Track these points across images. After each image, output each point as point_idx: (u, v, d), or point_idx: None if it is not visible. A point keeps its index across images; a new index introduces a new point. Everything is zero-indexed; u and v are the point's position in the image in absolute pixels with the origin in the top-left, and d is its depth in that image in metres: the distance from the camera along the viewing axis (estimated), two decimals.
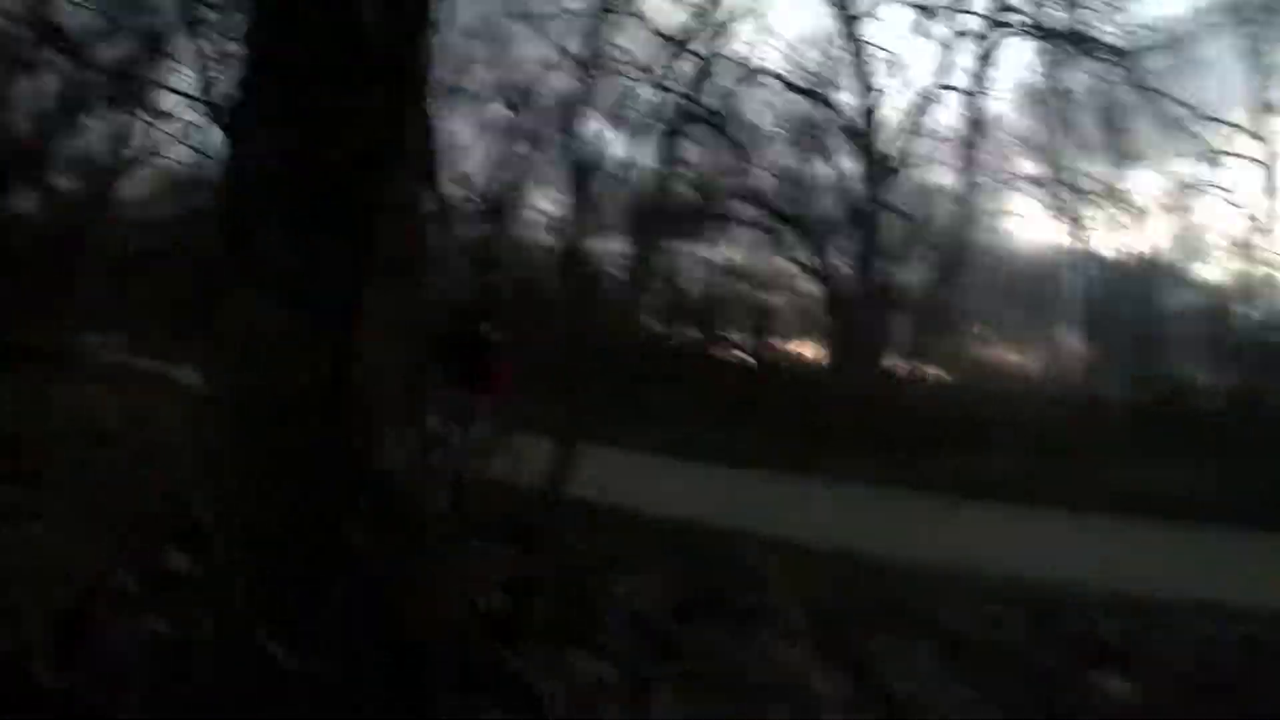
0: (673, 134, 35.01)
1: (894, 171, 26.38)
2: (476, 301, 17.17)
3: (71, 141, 28.09)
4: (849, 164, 28.00)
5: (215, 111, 24.93)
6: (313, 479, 3.02)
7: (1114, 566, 8.97)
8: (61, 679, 3.20)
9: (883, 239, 25.95)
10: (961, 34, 25.04)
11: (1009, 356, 29.89)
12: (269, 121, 3.03)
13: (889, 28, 30.87)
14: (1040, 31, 25.59)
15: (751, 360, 31.62)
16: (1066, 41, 25.29)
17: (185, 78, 26.24)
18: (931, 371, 27.06)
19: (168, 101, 27.57)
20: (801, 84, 28.45)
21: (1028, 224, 38.89)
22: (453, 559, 4.34)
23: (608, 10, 29.70)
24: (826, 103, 27.96)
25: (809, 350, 37.67)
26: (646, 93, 31.60)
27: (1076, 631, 6.28)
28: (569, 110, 32.50)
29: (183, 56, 25.93)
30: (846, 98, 27.65)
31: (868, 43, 26.52)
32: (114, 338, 21.68)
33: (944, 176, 27.77)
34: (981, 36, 24.20)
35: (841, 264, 27.79)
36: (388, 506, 3.13)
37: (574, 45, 31.77)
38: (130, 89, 26.70)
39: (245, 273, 3.06)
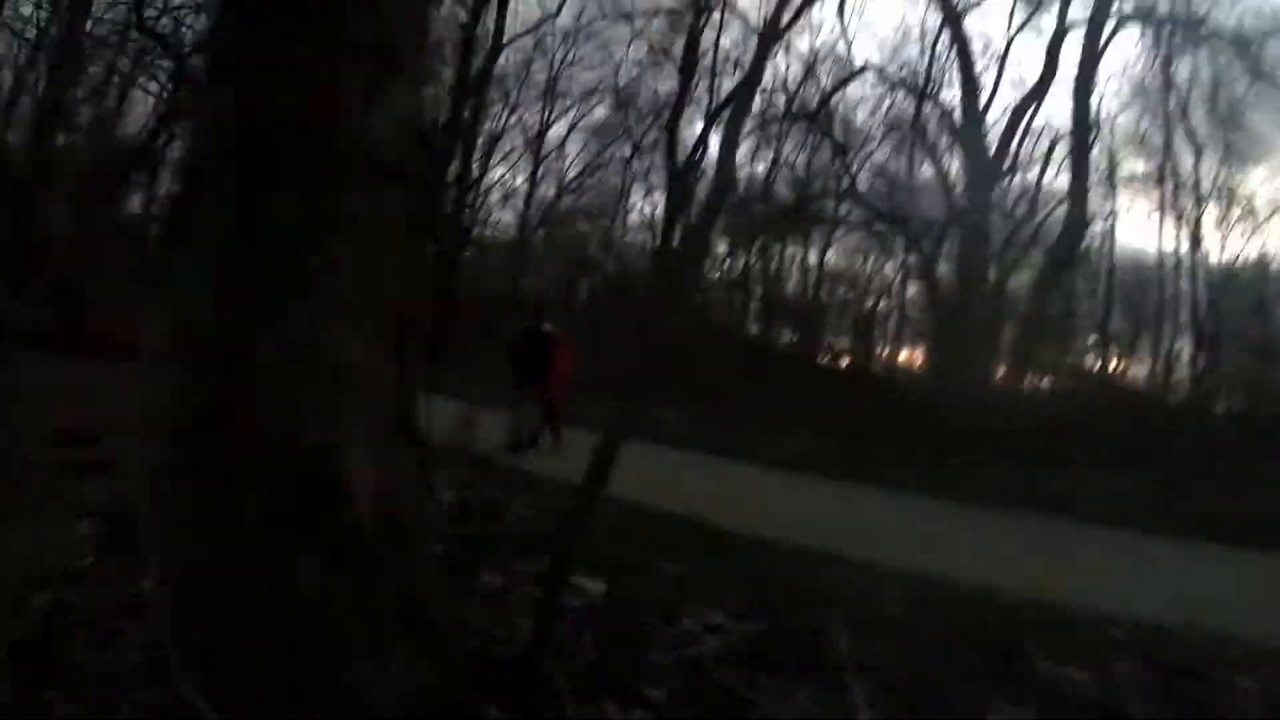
0: (774, 134, 34.71)
1: (1000, 171, 25.06)
2: (539, 300, 19.96)
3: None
4: (953, 164, 26.95)
5: None
6: (255, 497, 2.39)
7: None
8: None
9: (988, 242, 24.33)
10: (1069, 26, 23.59)
11: (1120, 365, 28.84)
12: (224, 75, 2.56)
13: (994, 21, 29.36)
14: (1152, 19, 23.97)
15: (853, 367, 31.04)
16: (1180, 29, 23.81)
17: None
18: (1040, 381, 26.10)
19: None
20: (904, 80, 27.69)
21: (1138, 226, 37.38)
22: (450, 595, 3.92)
23: (707, 8, 29.38)
24: (931, 99, 27.05)
25: (912, 357, 37.00)
26: (746, 92, 31.27)
27: None
28: (669, 111, 32.37)
29: None
30: (950, 94, 26.55)
31: (971, 37, 25.19)
32: None
33: (1052, 177, 26.89)
34: (1090, 27, 22.60)
35: (946, 268, 26.99)
36: (354, 533, 2.44)
37: (674, 46, 31.67)
38: None
39: (184, 254, 2.53)
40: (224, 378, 2.37)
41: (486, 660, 3.23)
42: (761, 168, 36.82)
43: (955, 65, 25.14)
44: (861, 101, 30.52)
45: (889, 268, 35.96)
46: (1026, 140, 26.07)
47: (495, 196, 44.10)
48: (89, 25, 26.28)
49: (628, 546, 6.14)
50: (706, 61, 31.19)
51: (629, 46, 34.86)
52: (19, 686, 2.81)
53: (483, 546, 5.16)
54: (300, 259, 2.38)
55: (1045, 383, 25.87)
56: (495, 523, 5.87)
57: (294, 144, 2.45)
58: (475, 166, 40.12)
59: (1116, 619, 6.22)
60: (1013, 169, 26.05)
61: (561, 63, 38.84)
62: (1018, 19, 25.84)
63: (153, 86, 26.78)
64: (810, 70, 28.84)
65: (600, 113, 40.01)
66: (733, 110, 30.18)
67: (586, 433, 15.26)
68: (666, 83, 33.57)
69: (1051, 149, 26.25)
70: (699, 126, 31.89)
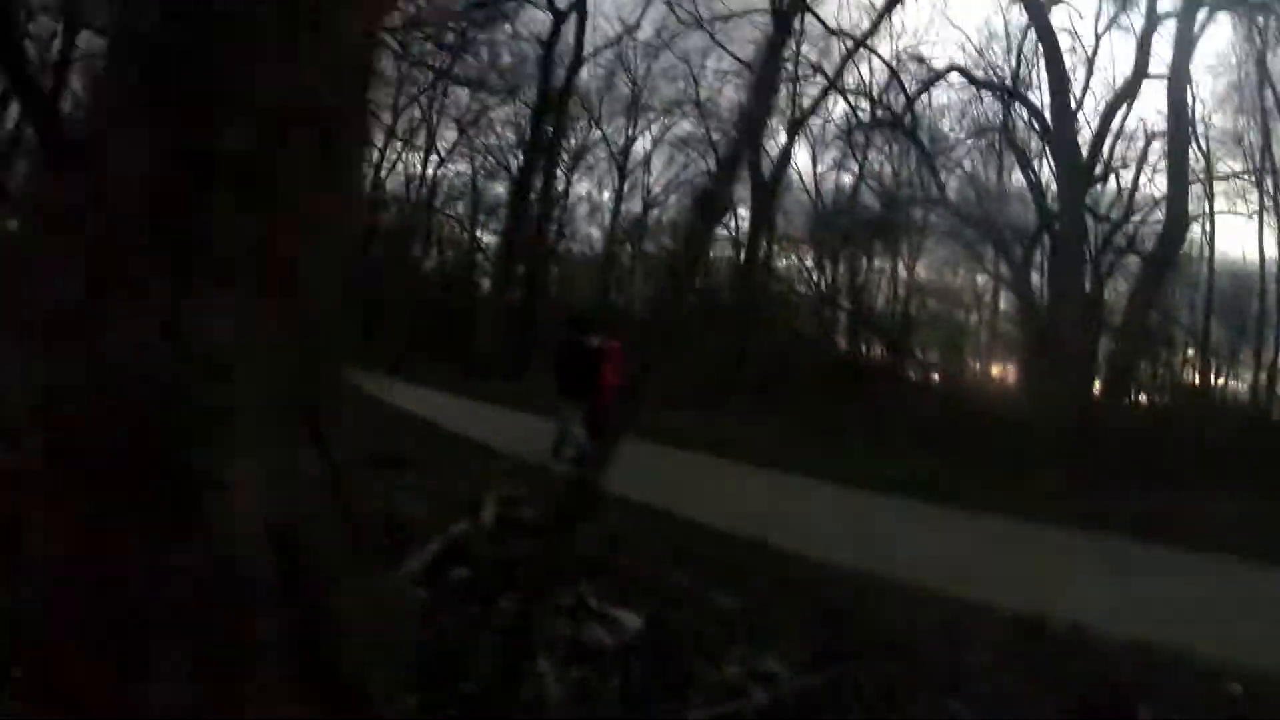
0: (859, 140, 34.08)
1: (1093, 174, 23.99)
2: (584, 312, 21.04)
3: None
4: (1044, 168, 25.99)
5: None
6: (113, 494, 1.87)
7: None
8: None
9: (1083, 249, 23.10)
10: (1160, 17, 22.32)
11: (1220, 378, 27.47)
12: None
13: (1081, 18, 28.04)
14: (1245, 6, 22.34)
15: (944, 382, 30.23)
16: (1275, 19, 22.42)
17: None
18: (1139, 395, 25.05)
19: None
20: (991, 82, 26.76)
21: (1237, 230, 35.60)
22: (466, 625, 3.64)
23: (789, 13, 28.83)
24: (1020, 100, 26.16)
25: (1005, 372, 35.95)
26: (830, 100, 30.76)
27: None
28: (752, 121, 31.79)
29: None
30: (1039, 96, 25.32)
31: (1058, 35, 23.51)
32: None
33: (1146, 179, 25.56)
34: (1181, 18, 21.26)
35: (1039, 276, 26.07)
36: (229, 545, 1.89)
37: (754, 54, 31.19)
38: None
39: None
40: (78, 358, 1.90)
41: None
42: (847, 179, 36.31)
43: (1043, 65, 24.00)
44: (947, 109, 29.51)
45: (980, 279, 35.08)
46: (1119, 141, 25.00)
47: (582, 211, 44.22)
48: None
49: (682, 573, 5.53)
50: (790, 69, 30.56)
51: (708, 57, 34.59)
52: None
53: (512, 570, 4.67)
54: (166, 215, 1.92)
55: (1143, 397, 24.80)
56: (535, 543, 5.30)
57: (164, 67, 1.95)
58: (560, 181, 40.21)
59: (1231, 668, 5.36)
60: (1106, 172, 24.97)
61: (644, 76, 38.78)
62: (1105, 15, 24.88)
63: None
64: (895, 74, 28.05)
65: (685, 125, 39.84)
66: (818, 118, 29.71)
67: (651, 444, 14.95)
68: (749, 92, 33.07)
69: (1146, 149, 25.03)
70: (783, 138, 31.25)
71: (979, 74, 26.83)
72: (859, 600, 5.74)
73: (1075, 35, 24.38)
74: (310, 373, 2.02)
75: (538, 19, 32.14)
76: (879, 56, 28.91)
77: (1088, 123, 24.30)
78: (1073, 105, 23.70)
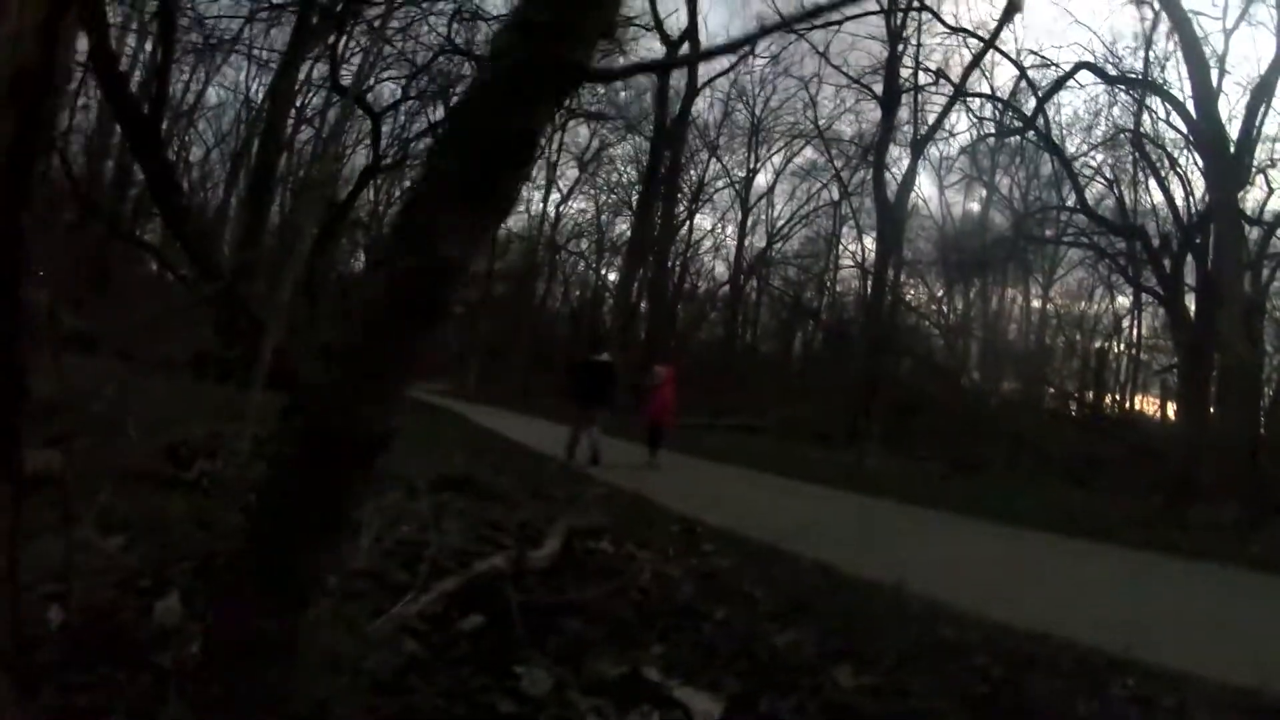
0: (984, 159, 32.60)
1: (1244, 174, 21.48)
2: (596, 334, 25.38)
3: None
4: (1189, 168, 24.42)
5: None
6: None
7: None
8: None
9: (1239, 255, 20.27)
10: None
11: None
12: None
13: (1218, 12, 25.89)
14: None
15: (1084, 412, 28.38)
16: None
17: None
18: None
19: None
20: (1126, 76, 24.91)
21: None
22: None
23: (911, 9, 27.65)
24: (1159, 92, 24.14)
25: (1146, 401, 33.86)
26: (952, 117, 29.41)
27: None
28: (874, 145, 30.76)
29: None
30: (1180, 95, 23.27)
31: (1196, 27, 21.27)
32: None
33: None
34: None
35: (1190, 293, 24.00)
36: None
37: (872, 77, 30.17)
38: None
39: None
40: None
41: None
42: (974, 206, 34.89)
43: (1176, 59, 22.25)
44: (1074, 123, 27.92)
45: (1119, 301, 33.33)
46: (1260, 143, 22.74)
47: (706, 246, 43.65)
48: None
49: (793, 632, 4.16)
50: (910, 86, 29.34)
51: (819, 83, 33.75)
52: None
53: (554, 619, 3.55)
54: None
55: None
56: (597, 587, 4.09)
57: None
58: (682, 216, 39.66)
59: None
60: (1254, 172, 22.82)
61: (762, 105, 38.07)
62: (1233, 11, 23.11)
63: None
64: (1023, 73, 26.46)
65: (807, 154, 39.04)
66: (942, 135, 28.33)
67: (774, 478, 14.17)
68: (870, 116, 32.13)
69: None
70: (907, 160, 29.95)
71: (1112, 68, 24.93)
72: (1028, 674, 4.30)
73: (1204, 37, 22.07)
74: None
75: (654, 49, 31.55)
76: (1006, 56, 27.61)
77: (1227, 123, 21.94)
78: (1217, 102, 21.40)
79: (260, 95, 31.18)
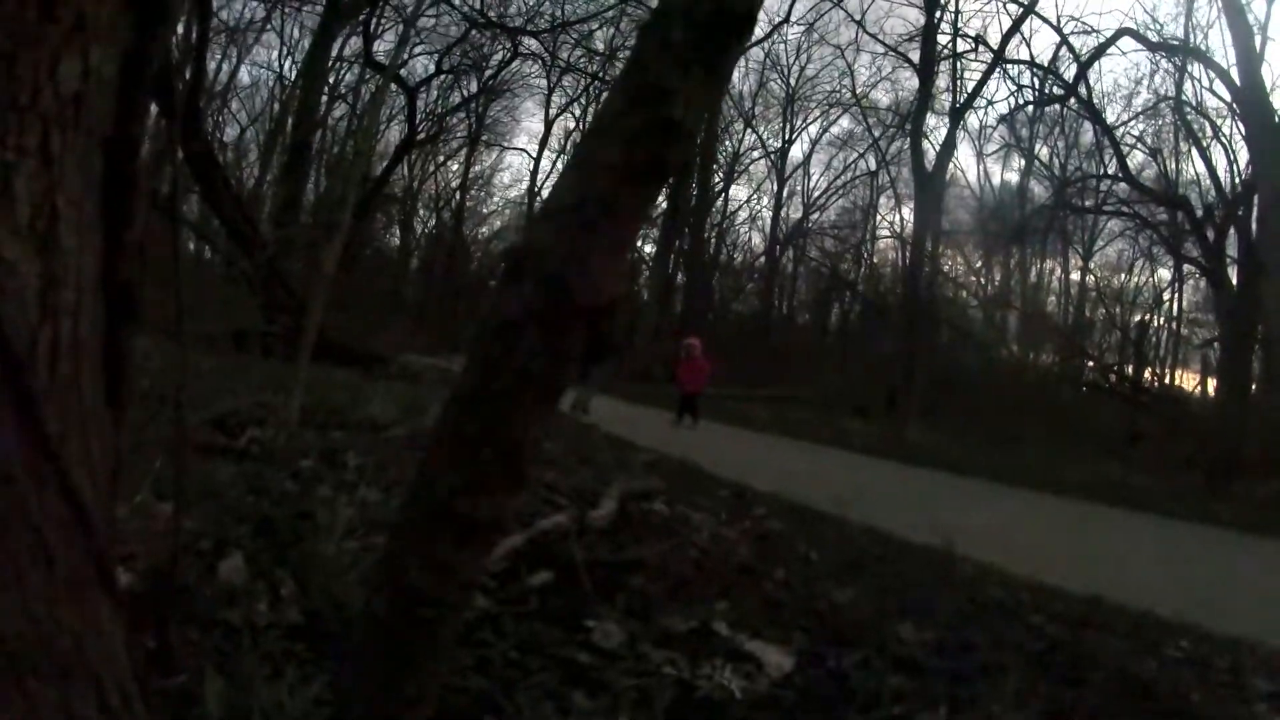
0: (1023, 128, 32.23)
1: None
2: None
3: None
4: (1234, 135, 24.03)
5: None
6: None
7: None
8: None
9: None
10: None
11: None
12: None
13: None
14: None
15: (1123, 385, 28.10)
16: None
17: None
18: None
19: None
20: (1168, 43, 24.48)
21: None
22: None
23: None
24: (1201, 59, 23.74)
25: (1187, 375, 33.52)
26: (991, 85, 29.07)
27: None
28: (912, 114, 30.54)
29: None
30: (1223, 60, 22.75)
31: None
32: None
33: None
34: None
35: (1233, 265, 23.66)
36: None
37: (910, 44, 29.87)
38: None
39: None
40: None
41: None
42: (1012, 177, 34.52)
43: (1220, 25, 21.77)
44: (1115, 91, 27.54)
45: (1160, 275, 32.95)
46: None
47: (742, 217, 43.50)
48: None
49: (851, 591, 4.17)
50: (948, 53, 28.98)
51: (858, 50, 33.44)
52: None
53: (621, 577, 3.53)
54: None
55: None
56: (657, 546, 4.09)
57: None
58: (718, 187, 39.54)
59: None
60: None
61: (798, 75, 37.82)
62: None
63: None
64: (1064, 39, 26.07)
65: (844, 124, 38.76)
66: (980, 102, 28.02)
67: (820, 446, 14.23)
68: (908, 84, 31.82)
69: None
70: (947, 128, 29.63)
71: (1152, 33, 24.56)
72: (1083, 634, 4.27)
73: (1247, 2, 21.57)
74: None
75: None
76: (1046, 21, 27.18)
77: (1271, 91, 21.48)
78: (1261, 67, 20.99)
79: (293, 74, 31.30)
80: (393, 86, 26.85)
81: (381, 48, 27.92)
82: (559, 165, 38.14)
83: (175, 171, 2.65)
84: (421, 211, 44.66)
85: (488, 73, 35.70)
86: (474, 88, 36.57)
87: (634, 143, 1.47)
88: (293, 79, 31.39)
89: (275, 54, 32.81)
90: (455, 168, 42.91)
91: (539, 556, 3.40)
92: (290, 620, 2.75)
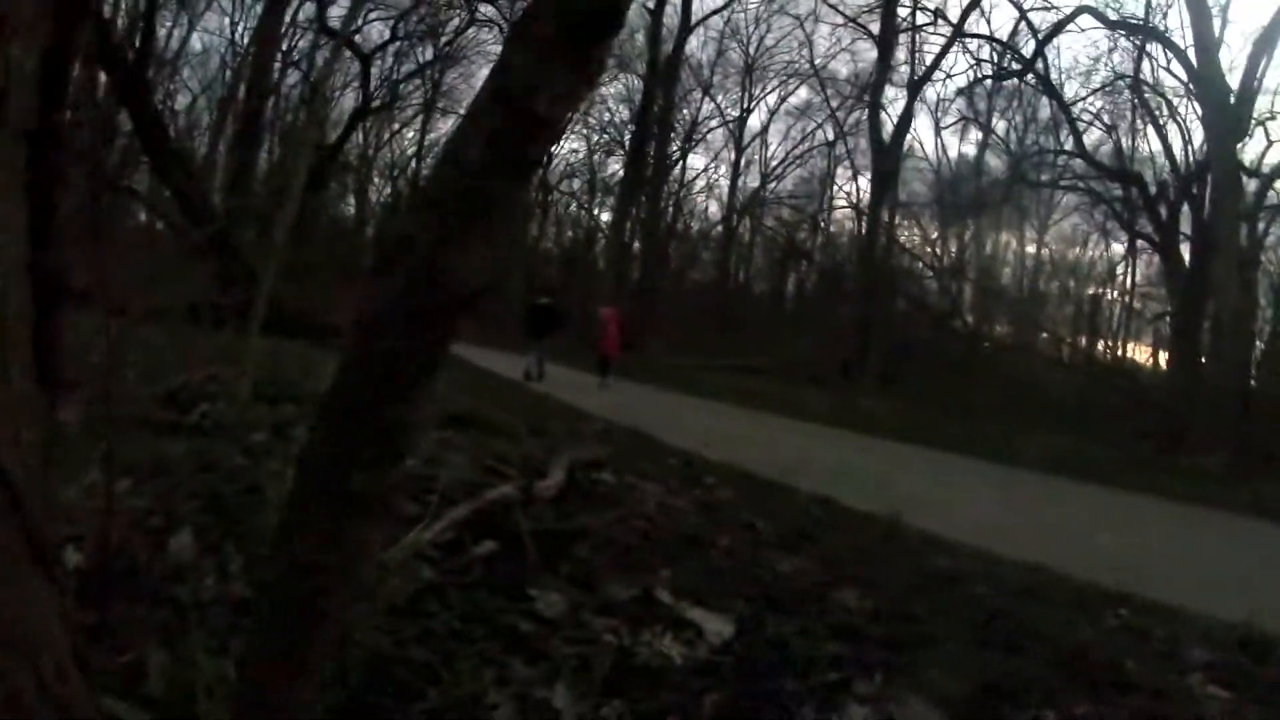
0: (982, 101, 32.37)
1: (1245, 121, 20.98)
2: (547, 283, 29.94)
3: None
4: (1189, 115, 24.16)
5: None
6: None
7: None
8: None
9: (1238, 203, 20.37)
10: None
11: None
12: None
13: None
14: None
15: (1076, 358, 28.44)
16: None
17: None
18: None
19: None
20: (1127, 21, 24.64)
21: None
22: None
23: None
24: (1159, 39, 23.94)
25: (1138, 348, 33.99)
26: (950, 58, 29.15)
27: None
28: (870, 86, 30.63)
29: None
30: (1181, 43, 23.00)
31: None
32: None
33: None
34: None
35: (1185, 242, 23.98)
36: None
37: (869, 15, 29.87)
38: None
39: None
40: None
41: None
42: (970, 149, 34.65)
43: (1181, 4, 21.91)
44: (1074, 67, 27.66)
45: (1114, 249, 33.31)
46: (1260, 95, 22.37)
47: (699, 186, 43.36)
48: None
49: (797, 559, 4.29)
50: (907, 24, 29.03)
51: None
52: None
53: (566, 545, 3.60)
54: None
55: None
56: (603, 515, 4.14)
57: None
58: (675, 156, 39.40)
59: None
60: (1253, 124, 22.39)
61: (757, 44, 37.71)
62: None
63: None
64: (1024, 14, 26.15)
65: (802, 94, 38.66)
66: (940, 75, 28.11)
67: (772, 416, 14.49)
68: (867, 56, 31.78)
69: None
70: (903, 99, 29.72)
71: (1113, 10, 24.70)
72: (1025, 603, 4.36)
73: None
74: None
75: None
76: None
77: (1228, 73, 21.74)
78: (1218, 48, 21.23)
79: (246, 40, 30.78)
80: (347, 53, 26.52)
81: (335, 13, 27.52)
82: None
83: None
84: (377, 180, 44.20)
85: (443, 39, 35.28)
86: (429, 54, 36.09)
87: (498, 138, 1.49)
88: (245, 46, 30.86)
89: (227, 20, 32.19)
90: (411, 135, 42.41)
91: (485, 527, 3.45)
92: (237, 594, 2.78)
